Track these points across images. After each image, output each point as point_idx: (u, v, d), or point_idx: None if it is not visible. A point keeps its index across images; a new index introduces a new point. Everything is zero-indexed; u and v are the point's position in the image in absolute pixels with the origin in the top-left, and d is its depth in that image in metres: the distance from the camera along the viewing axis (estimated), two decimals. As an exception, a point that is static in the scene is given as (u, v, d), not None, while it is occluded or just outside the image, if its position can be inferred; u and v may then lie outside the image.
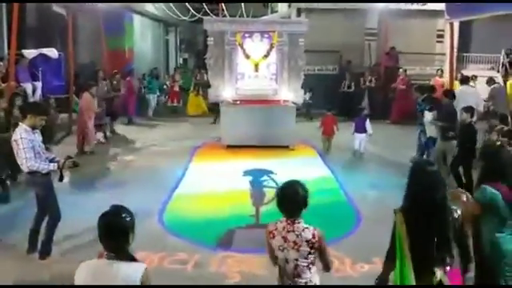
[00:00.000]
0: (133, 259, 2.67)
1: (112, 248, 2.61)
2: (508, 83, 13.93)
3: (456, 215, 3.16)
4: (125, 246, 2.64)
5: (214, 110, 15.12)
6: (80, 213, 6.66)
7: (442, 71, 15.91)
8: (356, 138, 10.66)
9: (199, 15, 16.90)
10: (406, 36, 17.24)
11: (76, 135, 10.94)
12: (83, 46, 15.32)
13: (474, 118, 8.46)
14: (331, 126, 11.01)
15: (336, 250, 5.74)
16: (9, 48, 10.90)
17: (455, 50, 16.64)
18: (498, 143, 5.88)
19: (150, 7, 18.80)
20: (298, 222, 3.24)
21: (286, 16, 18.03)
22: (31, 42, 12.99)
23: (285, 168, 9.33)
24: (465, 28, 17.17)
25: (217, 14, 17.20)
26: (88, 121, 10.54)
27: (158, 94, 16.60)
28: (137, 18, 18.54)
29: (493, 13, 9.73)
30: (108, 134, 12.40)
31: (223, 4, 17.80)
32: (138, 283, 2.60)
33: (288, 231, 3.23)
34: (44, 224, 5.50)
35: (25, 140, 5.12)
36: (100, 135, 11.73)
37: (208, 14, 16.18)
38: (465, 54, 17.81)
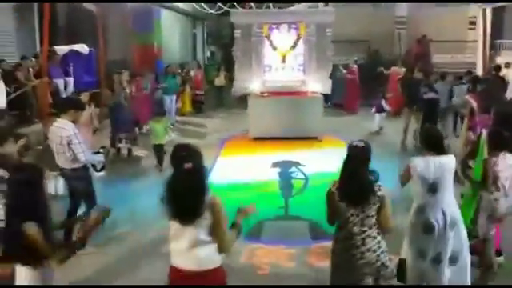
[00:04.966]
0: None
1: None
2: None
3: None
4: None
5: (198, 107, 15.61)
6: (111, 205, 6.82)
7: (401, 62, 15.24)
8: (376, 117, 12.02)
9: (226, 8, 16.89)
10: (436, 24, 16.89)
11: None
12: (113, 43, 15.55)
13: None
14: None
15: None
16: (41, 45, 11.18)
17: (488, 36, 16.25)
18: None
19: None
20: None
21: (314, 6, 17.85)
22: (62, 39, 13.27)
23: (313, 160, 9.28)
24: (497, 14, 16.66)
25: (243, 7, 17.17)
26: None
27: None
28: (165, 13, 18.69)
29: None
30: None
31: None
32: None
33: None
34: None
35: (78, 135, 5.28)
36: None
37: (234, 6, 16.16)
38: (498, 41, 17.29)
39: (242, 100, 12.46)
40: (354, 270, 3.48)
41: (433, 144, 4.11)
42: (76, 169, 5.35)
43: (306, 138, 10.75)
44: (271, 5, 16.63)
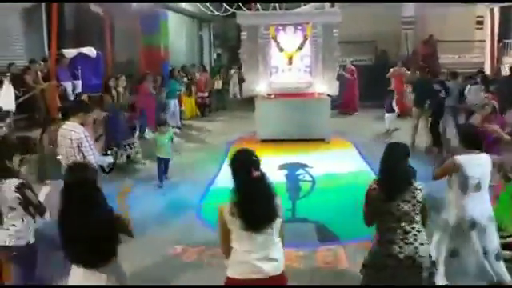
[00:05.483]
0: None
1: None
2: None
3: None
4: None
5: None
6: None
7: (402, 62, 15.16)
8: (386, 117, 12.09)
9: (232, 9, 16.92)
10: (444, 23, 16.80)
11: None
12: (120, 45, 15.62)
13: None
14: None
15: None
16: (49, 48, 11.25)
17: (496, 36, 16.14)
18: None
19: (184, 4, 18.99)
20: None
21: (320, 7, 17.84)
22: (70, 42, 13.35)
23: (320, 162, 9.27)
24: (505, 14, 16.56)
25: (250, 8, 17.19)
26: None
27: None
28: (171, 16, 18.75)
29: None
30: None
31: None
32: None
33: None
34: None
35: (89, 137, 5.37)
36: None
37: (241, 8, 16.19)
38: (506, 41, 17.18)
39: (248, 102, 12.45)
40: (412, 268, 3.53)
41: (474, 142, 4.32)
42: None
43: (313, 140, 10.74)
44: (277, 6, 16.65)
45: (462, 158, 4.21)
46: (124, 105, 10.00)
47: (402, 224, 3.53)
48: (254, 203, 3.03)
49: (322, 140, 10.84)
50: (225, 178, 8.48)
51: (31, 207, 3.97)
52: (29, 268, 3.99)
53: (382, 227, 3.63)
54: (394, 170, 3.61)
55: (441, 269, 4.27)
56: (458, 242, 4.30)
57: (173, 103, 13.28)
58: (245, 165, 3.13)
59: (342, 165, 9.12)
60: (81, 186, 3.19)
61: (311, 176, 8.50)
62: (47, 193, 6.34)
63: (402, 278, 3.53)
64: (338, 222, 6.34)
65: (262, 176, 3.13)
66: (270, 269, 3.09)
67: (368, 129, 12.61)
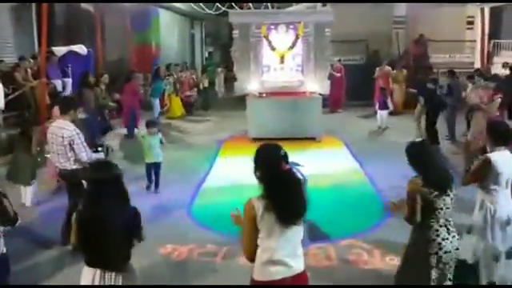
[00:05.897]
0: None
1: None
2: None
3: None
4: None
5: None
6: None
7: (388, 62, 15.38)
8: (380, 114, 12.30)
9: (224, 8, 16.91)
10: (435, 23, 16.89)
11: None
12: (111, 43, 15.53)
13: None
14: None
15: (365, 242, 5.70)
16: (39, 46, 11.17)
17: (486, 36, 16.27)
18: None
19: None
20: None
21: (312, 6, 17.85)
22: (60, 40, 13.25)
23: (312, 160, 9.27)
24: (496, 14, 16.69)
25: (242, 7, 17.17)
26: None
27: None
28: (163, 13, 18.68)
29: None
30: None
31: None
32: None
33: None
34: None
35: (80, 134, 5.31)
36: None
37: (233, 7, 16.17)
38: (496, 41, 17.31)
39: (235, 101, 12.41)
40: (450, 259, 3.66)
41: (503, 138, 4.25)
42: (76, 169, 5.33)
43: (305, 139, 10.75)
44: (269, 5, 16.65)
45: (494, 156, 4.13)
46: (104, 103, 9.91)
47: (450, 219, 3.68)
48: (290, 195, 2.94)
49: (313, 139, 10.85)
50: (215, 177, 8.51)
51: (4, 218, 3.69)
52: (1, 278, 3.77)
53: (430, 223, 3.66)
54: (437, 166, 3.71)
55: (483, 271, 4.22)
56: (496, 242, 4.19)
57: (157, 102, 13.31)
58: (274, 158, 3.05)
59: (333, 163, 9.14)
60: (114, 183, 3.22)
61: (302, 175, 8.45)
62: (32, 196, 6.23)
63: (447, 263, 3.64)
64: (328, 221, 6.35)
65: (291, 169, 3.09)
66: (297, 265, 3.02)
67: (357, 127, 12.66)
